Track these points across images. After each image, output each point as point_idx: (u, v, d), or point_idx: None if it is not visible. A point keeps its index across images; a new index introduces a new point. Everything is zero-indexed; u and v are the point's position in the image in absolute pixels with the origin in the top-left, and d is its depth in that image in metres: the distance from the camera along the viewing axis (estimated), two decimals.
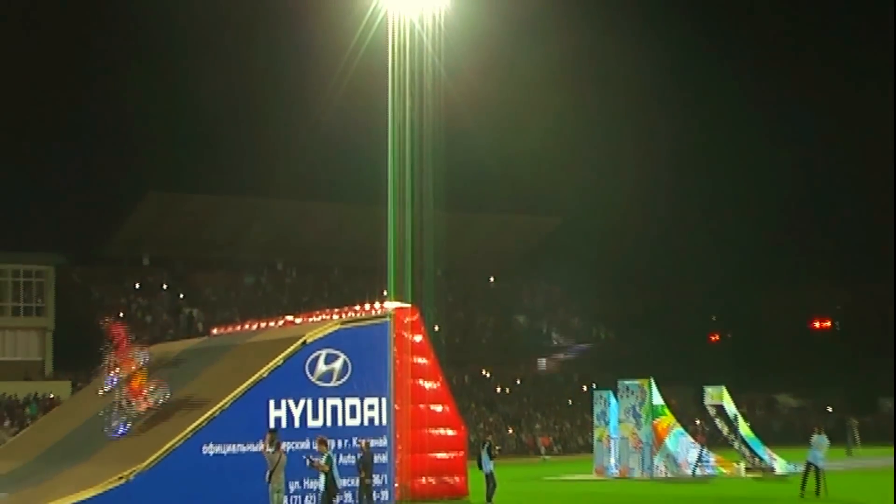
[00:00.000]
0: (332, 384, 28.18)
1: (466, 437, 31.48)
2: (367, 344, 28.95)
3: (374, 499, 26.40)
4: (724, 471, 39.48)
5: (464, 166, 53.18)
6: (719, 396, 41.79)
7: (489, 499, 28.49)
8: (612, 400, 40.90)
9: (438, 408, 30.30)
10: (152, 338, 55.38)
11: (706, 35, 76.76)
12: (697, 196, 74.28)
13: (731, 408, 41.52)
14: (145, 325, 64.97)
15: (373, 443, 27.18)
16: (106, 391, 28.61)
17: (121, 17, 67.82)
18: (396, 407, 29.09)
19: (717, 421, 41.70)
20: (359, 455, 25.90)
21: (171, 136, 69.16)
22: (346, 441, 27.89)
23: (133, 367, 28.06)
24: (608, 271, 75.63)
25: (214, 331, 38.10)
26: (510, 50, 63.50)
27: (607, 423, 40.91)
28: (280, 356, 27.90)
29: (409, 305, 30.49)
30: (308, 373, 27.94)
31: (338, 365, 28.33)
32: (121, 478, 24.99)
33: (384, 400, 28.87)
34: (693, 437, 40.13)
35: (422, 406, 29.84)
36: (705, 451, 39.73)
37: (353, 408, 28.37)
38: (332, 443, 25.52)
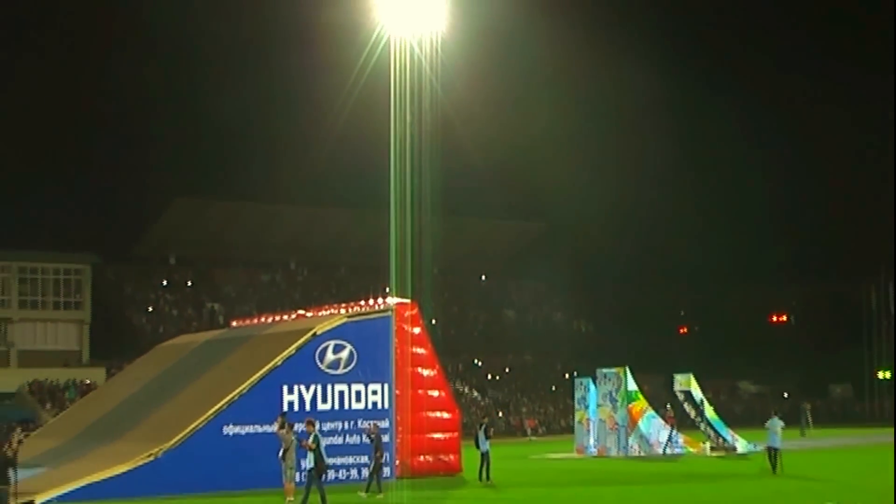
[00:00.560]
0: (339, 371, 28.20)
1: (460, 420, 31.39)
2: (371, 335, 28.93)
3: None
4: (691, 450, 39.44)
5: (459, 176, 53.30)
6: (687, 383, 41.84)
7: (487, 477, 28.24)
8: (591, 386, 40.83)
9: (435, 393, 30.24)
10: (178, 329, 55.66)
11: (676, 50, 76.67)
12: (668, 203, 74.17)
13: (697, 393, 41.52)
14: (172, 318, 65.07)
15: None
16: None
17: (164, 45, 68.35)
18: (397, 392, 29.05)
19: (686, 405, 41.68)
20: (371, 436, 25.78)
21: (196, 149, 69.35)
22: (351, 422, 27.96)
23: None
24: (588, 271, 75.81)
25: (234, 323, 38.14)
26: (501, 70, 63.67)
27: (587, 407, 40.86)
28: (293, 346, 27.95)
29: (408, 301, 30.43)
30: (318, 361, 27.99)
31: (344, 354, 28.35)
32: (150, 455, 25.18)
33: (386, 386, 28.86)
34: (664, 419, 40.04)
35: (420, 391, 29.76)
36: (675, 432, 39.66)
37: (358, 393, 28.39)
38: (337, 424, 25.29)
